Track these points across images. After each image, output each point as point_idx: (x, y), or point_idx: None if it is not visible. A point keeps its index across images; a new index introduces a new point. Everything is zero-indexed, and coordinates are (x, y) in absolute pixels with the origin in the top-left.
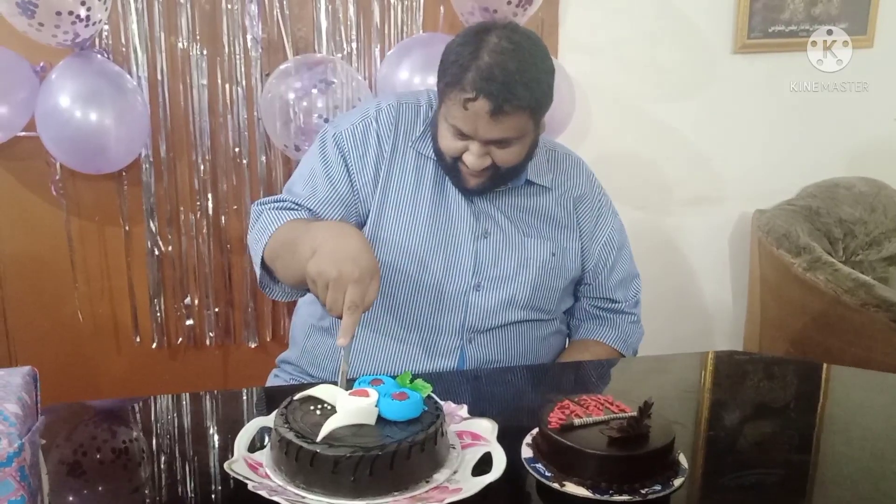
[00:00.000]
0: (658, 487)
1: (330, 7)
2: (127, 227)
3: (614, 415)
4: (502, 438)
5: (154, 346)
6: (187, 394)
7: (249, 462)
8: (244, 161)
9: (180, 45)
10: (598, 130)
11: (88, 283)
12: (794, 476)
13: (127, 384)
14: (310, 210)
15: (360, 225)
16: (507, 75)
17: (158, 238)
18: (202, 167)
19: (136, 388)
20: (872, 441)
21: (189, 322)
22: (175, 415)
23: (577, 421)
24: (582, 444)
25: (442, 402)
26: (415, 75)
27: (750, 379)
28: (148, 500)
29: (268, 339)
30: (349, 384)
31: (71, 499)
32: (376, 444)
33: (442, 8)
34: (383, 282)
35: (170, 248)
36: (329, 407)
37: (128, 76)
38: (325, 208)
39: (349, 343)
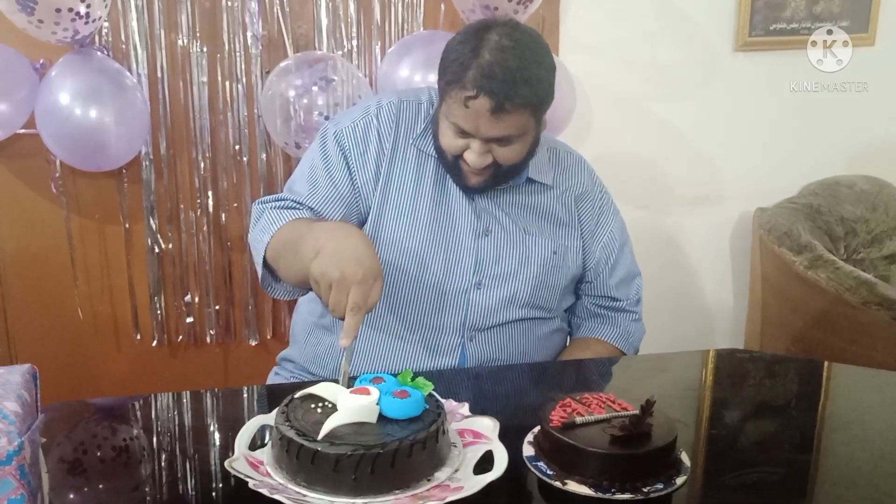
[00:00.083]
0: (660, 486)
1: (330, 4)
2: (127, 225)
3: (616, 413)
4: (504, 437)
5: (154, 343)
6: (188, 392)
7: (250, 460)
8: (244, 159)
9: (180, 42)
10: (599, 129)
11: (88, 281)
12: (795, 475)
13: (127, 382)
14: (311, 209)
15: (361, 223)
16: (507, 73)
17: (159, 236)
18: (202, 165)
19: (137, 386)
20: (874, 439)
21: (189, 320)
22: (175, 413)
23: (578, 419)
24: (584, 443)
25: (443, 401)
26: (415, 73)
27: (751, 377)
28: (148, 499)
29: (268, 337)
30: (350, 383)
31: (71, 497)
32: (377, 443)
33: (443, 5)
34: (384, 280)
35: (170, 246)
36: (330, 405)
37: (128, 73)
38: (326, 206)
39: (351, 344)
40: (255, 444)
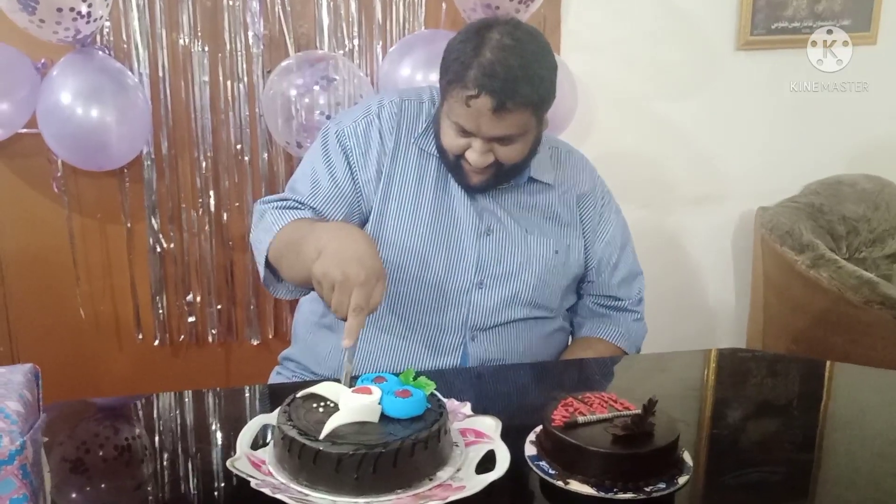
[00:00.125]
0: (662, 485)
1: (331, 3)
2: (129, 225)
3: (618, 412)
4: (506, 436)
5: (156, 343)
6: (189, 391)
7: (252, 460)
8: (246, 158)
9: (182, 41)
10: (601, 128)
11: (90, 281)
12: (797, 474)
13: (129, 381)
14: (313, 208)
15: (363, 222)
16: (509, 72)
17: (160, 235)
18: (204, 164)
19: (139, 386)
20: (875, 439)
21: (191, 319)
22: (177, 412)
23: (580, 419)
24: (586, 442)
25: (445, 400)
26: (417, 72)
27: (753, 377)
28: (150, 498)
29: (270, 337)
30: (352, 382)
31: (73, 496)
32: (379, 442)
33: (444, 4)
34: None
35: (171, 246)
36: (332, 404)
37: (129, 73)
38: (327, 206)
39: (353, 344)
40: (257, 444)
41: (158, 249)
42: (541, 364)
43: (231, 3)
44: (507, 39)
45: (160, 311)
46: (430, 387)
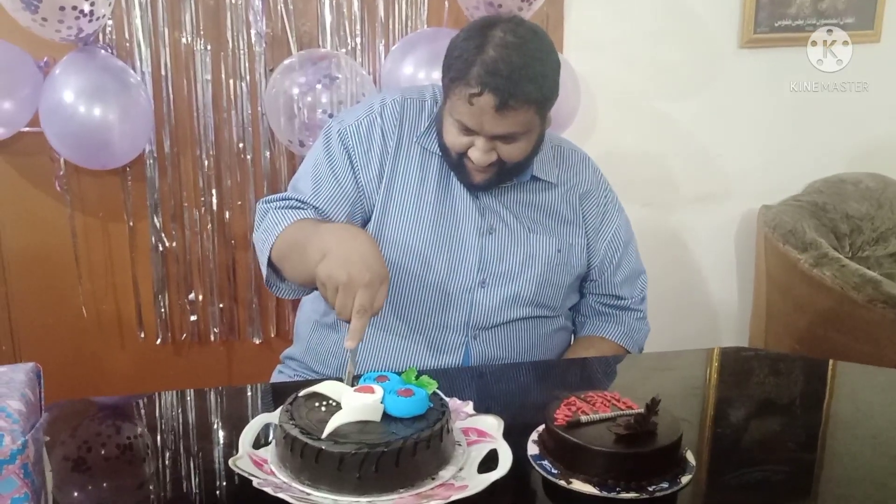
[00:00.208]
0: (665, 485)
1: (334, 2)
2: (131, 223)
3: (621, 411)
4: (508, 435)
5: (158, 342)
6: (191, 390)
7: (254, 459)
8: (248, 157)
9: (184, 40)
10: (604, 126)
11: (92, 279)
12: (801, 473)
13: (131, 380)
14: (315, 208)
15: (365, 221)
16: (512, 70)
17: (163, 234)
18: (206, 163)
19: (141, 385)
20: (880, 438)
21: (193, 318)
22: (179, 411)
23: (583, 418)
24: (589, 441)
25: (447, 399)
26: (419, 70)
27: (756, 376)
28: (152, 497)
29: (272, 335)
30: (354, 381)
31: (75, 495)
32: (382, 441)
33: (447, 2)
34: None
35: (174, 244)
36: (334, 403)
37: (131, 71)
38: (330, 205)
39: (356, 345)
40: (259, 443)
41: (160, 248)
42: (543, 363)
43: (233, 1)
44: (510, 37)
45: (162, 310)
46: (433, 386)
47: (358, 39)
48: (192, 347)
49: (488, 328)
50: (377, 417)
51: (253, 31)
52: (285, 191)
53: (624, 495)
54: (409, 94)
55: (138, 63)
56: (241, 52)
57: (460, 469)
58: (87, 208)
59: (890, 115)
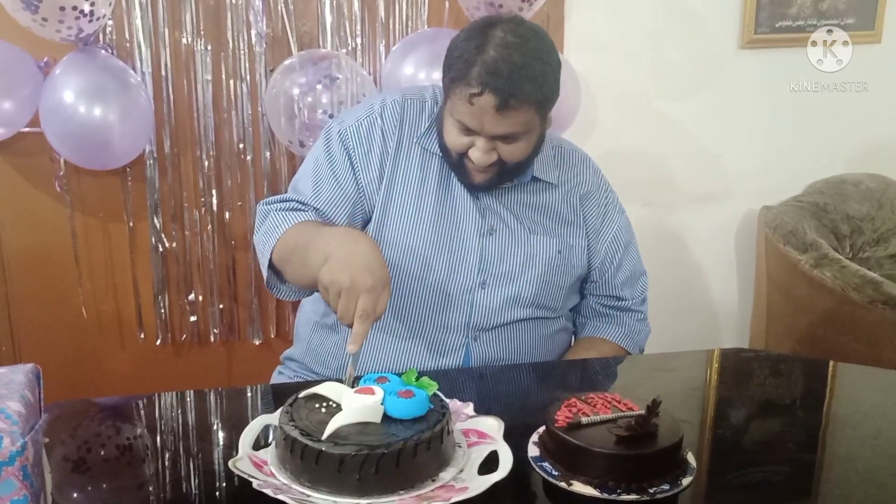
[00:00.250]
0: (666, 487)
1: (334, 2)
2: (131, 224)
3: (622, 413)
4: (508, 437)
5: (158, 342)
6: (191, 391)
7: (254, 460)
8: (248, 157)
9: (184, 40)
10: (604, 126)
11: (93, 280)
12: (801, 475)
13: (131, 381)
14: (316, 209)
15: (366, 222)
16: (512, 69)
17: (163, 234)
18: (206, 163)
19: (141, 385)
20: (880, 439)
21: (193, 318)
22: (179, 412)
23: (584, 419)
24: (589, 443)
25: (448, 400)
26: (420, 71)
27: (756, 377)
28: (152, 499)
29: (272, 336)
30: (355, 383)
31: (74, 496)
32: (382, 443)
33: (447, 3)
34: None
35: (174, 245)
36: (334, 405)
37: (132, 72)
38: (330, 206)
39: (358, 350)
40: (259, 444)
41: (161, 248)
42: (543, 364)
43: (234, 1)
44: (510, 37)
45: (162, 311)
46: (433, 387)
47: (358, 40)
48: (192, 348)
49: (489, 329)
50: (377, 419)
51: (253, 32)
52: (285, 191)
53: (625, 497)
54: (410, 95)
55: (138, 63)
56: (242, 52)
57: (461, 471)
58: (88, 209)
59: (890, 115)
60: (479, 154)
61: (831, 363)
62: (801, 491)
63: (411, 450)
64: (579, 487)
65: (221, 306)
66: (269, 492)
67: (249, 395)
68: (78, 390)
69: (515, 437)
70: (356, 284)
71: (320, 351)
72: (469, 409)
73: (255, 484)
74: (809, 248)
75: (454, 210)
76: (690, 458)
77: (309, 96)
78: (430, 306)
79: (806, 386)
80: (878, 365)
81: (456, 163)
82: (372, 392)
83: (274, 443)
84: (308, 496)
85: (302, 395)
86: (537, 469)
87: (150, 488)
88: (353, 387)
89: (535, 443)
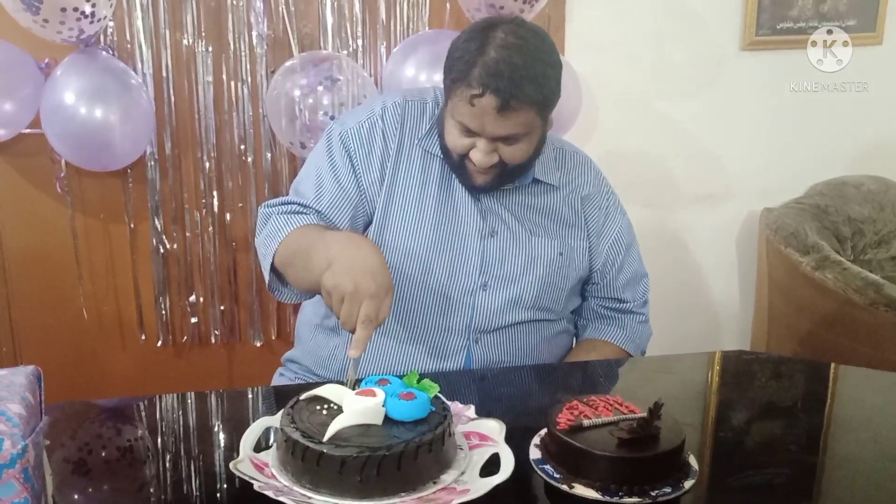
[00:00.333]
0: (668, 489)
1: (335, 4)
2: (132, 225)
3: (624, 416)
4: (510, 439)
5: (159, 343)
6: (192, 393)
7: (255, 462)
8: (249, 158)
9: (185, 41)
10: (605, 128)
11: (93, 281)
12: (803, 477)
13: (132, 382)
14: (317, 211)
15: (367, 224)
16: (513, 70)
17: (164, 236)
18: (207, 165)
19: (141, 386)
20: (882, 442)
21: (194, 320)
22: (180, 414)
23: (586, 422)
24: (591, 446)
25: (449, 403)
26: (421, 72)
27: (758, 379)
28: (153, 500)
29: (273, 338)
30: (356, 385)
31: (75, 498)
32: (383, 445)
33: (448, 4)
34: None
35: (175, 246)
36: (335, 407)
37: (133, 73)
38: (332, 209)
39: (360, 355)
40: (260, 446)
41: (161, 250)
42: (545, 366)
43: (235, 3)
44: (511, 38)
45: (163, 312)
46: (434, 389)
47: (359, 41)
48: (193, 349)
49: (490, 331)
50: (379, 421)
51: (254, 33)
52: (286, 193)
53: (627, 500)
54: (411, 97)
55: (139, 64)
56: (243, 53)
57: (462, 473)
58: (88, 210)
59: (891, 116)
60: (480, 155)
61: (832, 365)
62: (803, 493)
63: (413, 452)
64: (581, 490)
65: (222, 308)
66: (270, 494)
67: (250, 396)
68: (78, 391)
69: (517, 440)
70: (359, 290)
71: (321, 353)
72: (470, 411)
73: (256, 486)
74: (811, 250)
75: (455, 212)
76: (692, 460)
77: (310, 98)
78: (431, 308)
79: (807, 388)
80: (880, 367)
81: (457, 164)
82: (373, 394)
83: (275, 445)
84: (309, 498)
85: (303, 397)
86: (539, 472)
87: (151, 490)
88: (354, 389)
89: (536, 445)
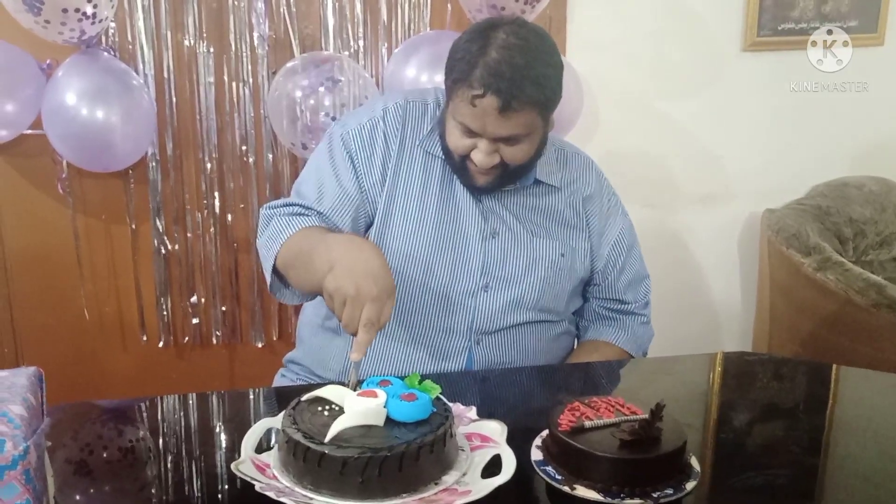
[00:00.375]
0: (670, 491)
1: (337, 4)
2: (133, 226)
3: (625, 417)
4: (511, 440)
5: (161, 344)
6: (194, 394)
7: (257, 463)
8: (251, 159)
9: (187, 42)
10: (606, 128)
11: (95, 282)
12: (805, 478)
13: (133, 383)
14: (319, 213)
15: (369, 225)
16: (515, 71)
17: (165, 236)
18: (209, 165)
19: (143, 387)
20: (883, 443)
21: (195, 321)
22: (182, 415)
23: (587, 423)
24: (593, 447)
25: (450, 404)
26: (422, 73)
27: (759, 380)
28: (154, 501)
29: (274, 339)
30: (357, 386)
31: (77, 499)
32: (385, 446)
33: (449, 5)
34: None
35: (176, 247)
36: (337, 408)
37: (134, 74)
38: (334, 210)
39: (361, 358)
40: (262, 447)
41: (163, 251)
42: (546, 368)
43: (236, 4)
44: (513, 39)
45: (164, 313)
46: (436, 390)
47: (361, 42)
48: (195, 350)
49: (491, 332)
50: (380, 422)
51: (256, 34)
52: (287, 194)
53: (628, 502)
54: (412, 98)
55: (141, 65)
56: (244, 54)
57: (464, 474)
58: (90, 210)
59: (892, 117)
60: (481, 156)
61: (834, 367)
62: (805, 495)
63: (414, 453)
64: (583, 492)
65: (224, 308)
66: (271, 494)
67: (252, 397)
68: (79, 392)
69: (518, 441)
70: (361, 293)
71: (322, 354)
72: (472, 412)
73: (257, 487)
74: (812, 252)
75: (457, 213)
76: (694, 462)
77: (311, 99)
78: (432, 309)
79: (809, 389)
80: (881, 368)
81: (458, 165)
82: (375, 395)
83: (276, 446)
84: (311, 499)
85: (304, 398)
86: (540, 473)
87: (153, 491)
88: (355, 390)
89: (538, 447)
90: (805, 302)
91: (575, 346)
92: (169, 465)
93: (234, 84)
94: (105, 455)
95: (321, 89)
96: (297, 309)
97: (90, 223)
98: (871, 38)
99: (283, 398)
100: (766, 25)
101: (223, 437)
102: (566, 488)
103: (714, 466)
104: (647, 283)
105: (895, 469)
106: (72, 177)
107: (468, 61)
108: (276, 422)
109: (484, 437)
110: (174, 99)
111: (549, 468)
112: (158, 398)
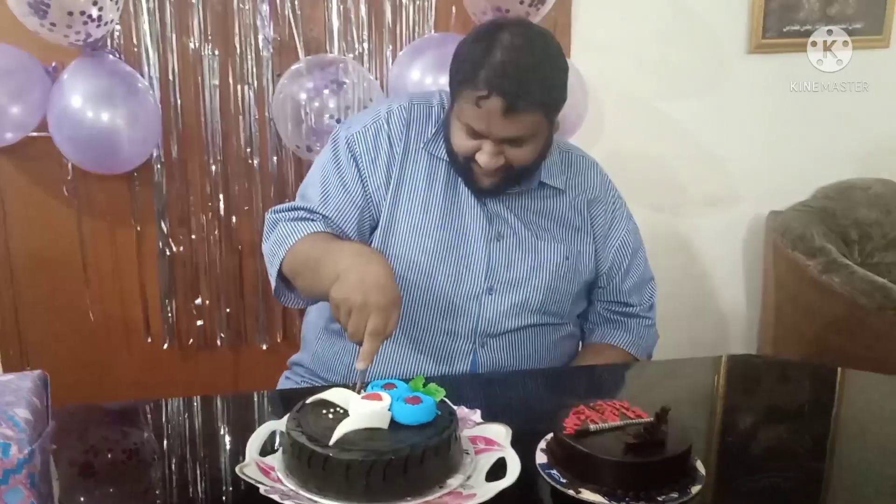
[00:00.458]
0: (675, 495)
1: (342, 7)
2: (138, 228)
3: (630, 420)
4: (516, 444)
5: (165, 346)
6: (198, 397)
7: (261, 466)
8: (255, 162)
9: (192, 45)
10: (611, 130)
11: (100, 284)
12: (810, 482)
13: (138, 385)
14: (324, 217)
15: (373, 228)
16: (520, 72)
17: (170, 239)
18: (214, 168)
19: (148, 389)
20: (889, 446)
21: (200, 323)
22: (186, 417)
23: (592, 426)
24: (598, 451)
25: (455, 407)
26: (427, 75)
27: (765, 384)
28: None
29: (279, 341)
30: (362, 389)
31: (82, 501)
32: (389, 449)
33: (454, 8)
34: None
35: (181, 249)
36: (341, 411)
37: (139, 76)
38: (339, 214)
39: (367, 367)
40: (266, 450)
41: (168, 253)
42: (551, 371)
43: (241, 6)
44: (518, 40)
45: (169, 315)
46: (440, 393)
47: (365, 45)
48: (199, 352)
49: (496, 335)
50: (385, 425)
51: (261, 37)
52: (293, 196)
53: None
54: (417, 100)
55: (146, 68)
56: (249, 57)
57: (468, 477)
58: (95, 213)
59: None
60: (486, 158)
61: (839, 370)
62: (811, 498)
63: (419, 456)
64: (587, 495)
65: (228, 311)
66: (276, 497)
67: (256, 400)
68: (84, 394)
69: (523, 444)
70: (368, 303)
71: (327, 356)
72: (476, 415)
73: (262, 489)
74: (818, 254)
75: (461, 216)
76: (699, 465)
77: (316, 101)
78: (437, 312)
79: (814, 393)
80: (888, 371)
81: (463, 167)
82: (379, 398)
83: (281, 448)
84: (315, 502)
85: (309, 400)
86: (545, 476)
87: (157, 494)
88: (360, 393)
89: (543, 450)
90: (811, 304)
91: (579, 349)
92: (173, 468)
93: (238, 87)
94: (110, 458)
95: (326, 92)
96: (302, 311)
97: (95, 225)
98: (877, 40)
99: (287, 401)
100: (771, 27)
101: (228, 439)
102: (571, 492)
103: (719, 470)
104: (651, 285)
105: None
106: (77, 179)
107: (473, 62)
108: (281, 424)
109: (488, 440)
110: (179, 101)
111: (554, 471)
112: (163, 401)
